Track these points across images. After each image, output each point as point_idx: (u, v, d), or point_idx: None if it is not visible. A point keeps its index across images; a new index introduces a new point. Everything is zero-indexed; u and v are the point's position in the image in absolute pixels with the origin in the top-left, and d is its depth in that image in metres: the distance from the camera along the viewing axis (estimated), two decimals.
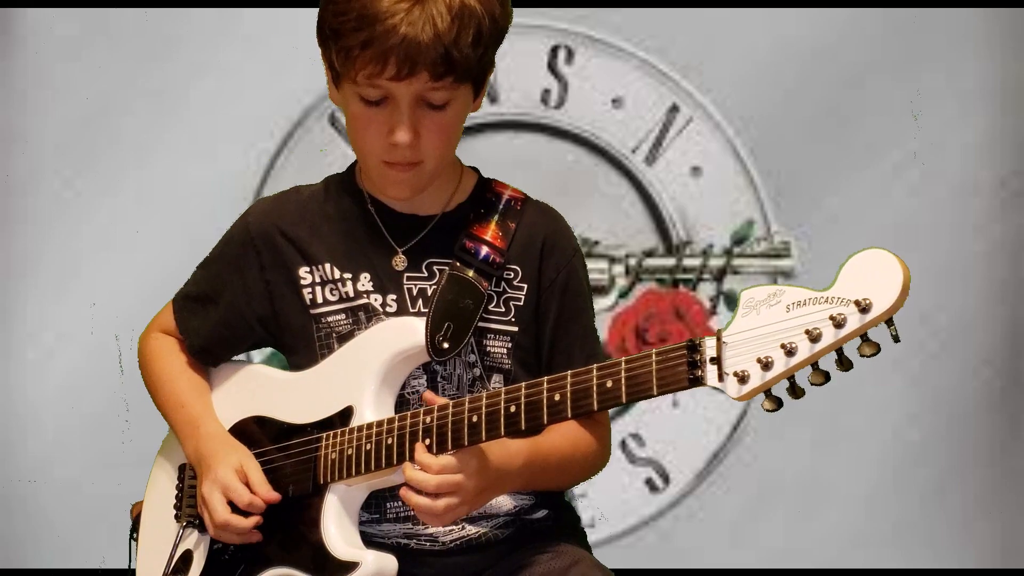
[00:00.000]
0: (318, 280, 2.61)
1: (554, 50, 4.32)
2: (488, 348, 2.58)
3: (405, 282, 2.58)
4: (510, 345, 2.58)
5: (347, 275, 2.60)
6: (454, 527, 2.57)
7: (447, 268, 2.56)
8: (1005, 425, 4.29)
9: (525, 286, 2.59)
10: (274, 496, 2.53)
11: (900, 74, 4.26)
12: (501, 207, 2.61)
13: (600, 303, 4.32)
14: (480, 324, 2.55)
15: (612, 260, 4.34)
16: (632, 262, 4.35)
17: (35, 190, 4.30)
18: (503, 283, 2.57)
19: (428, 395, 2.47)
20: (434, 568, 2.57)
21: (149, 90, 4.28)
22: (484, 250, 2.57)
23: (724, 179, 4.33)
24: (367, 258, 2.60)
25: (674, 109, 4.32)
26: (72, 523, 4.27)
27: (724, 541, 4.31)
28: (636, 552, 4.28)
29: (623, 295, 4.36)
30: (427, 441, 2.42)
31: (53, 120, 4.29)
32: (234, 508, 2.54)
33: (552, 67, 4.33)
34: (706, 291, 4.35)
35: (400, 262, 2.59)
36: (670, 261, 4.35)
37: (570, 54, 4.33)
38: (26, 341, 4.30)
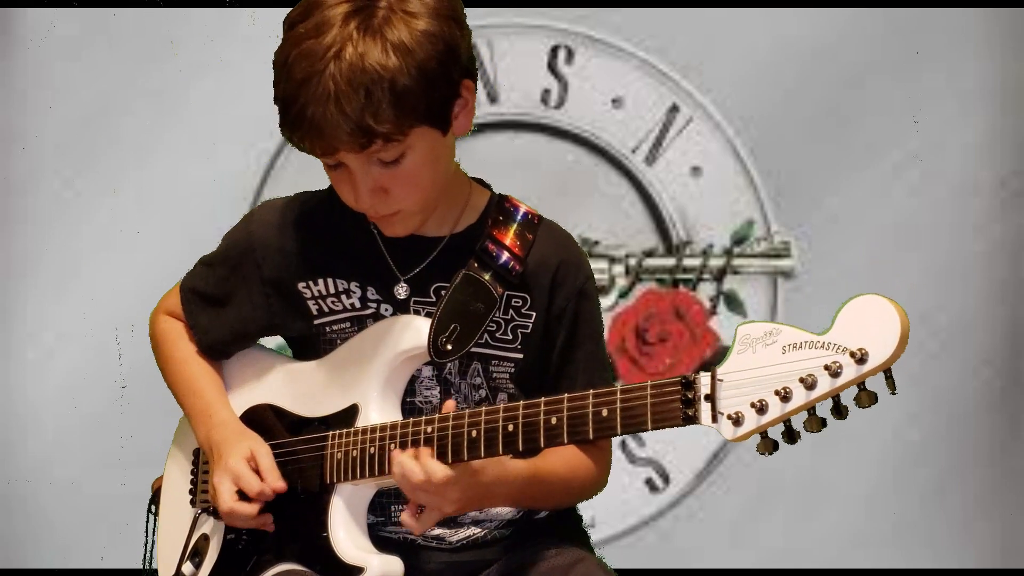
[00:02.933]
0: (318, 294, 2.60)
1: (554, 50, 4.32)
2: (493, 373, 2.57)
3: (412, 306, 2.56)
4: (513, 370, 2.57)
5: (354, 284, 2.58)
6: (459, 528, 2.58)
7: (463, 269, 2.53)
8: (1005, 425, 4.29)
9: (534, 314, 2.56)
10: (281, 485, 2.53)
11: (900, 74, 4.26)
12: (519, 218, 2.57)
13: (600, 303, 4.32)
14: (487, 351, 2.54)
15: (612, 260, 4.34)
16: (632, 262, 4.35)
17: (35, 190, 4.30)
18: (511, 310, 2.55)
19: (449, 404, 2.45)
20: (440, 563, 2.58)
21: (149, 90, 4.28)
22: (504, 255, 2.53)
23: (724, 179, 4.33)
24: (370, 280, 2.58)
25: (674, 109, 4.32)
26: (72, 523, 4.27)
27: (724, 541, 4.31)
28: (636, 552, 4.28)
29: (623, 295, 4.36)
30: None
31: (53, 120, 4.29)
32: (243, 495, 2.54)
33: (552, 67, 4.33)
34: (706, 291, 4.35)
35: (402, 291, 2.56)
36: (670, 261, 4.35)
37: (570, 54, 4.33)
38: (26, 341, 4.30)
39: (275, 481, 2.53)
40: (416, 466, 2.39)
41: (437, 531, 2.57)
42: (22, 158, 4.30)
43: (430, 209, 2.52)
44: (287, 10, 4.34)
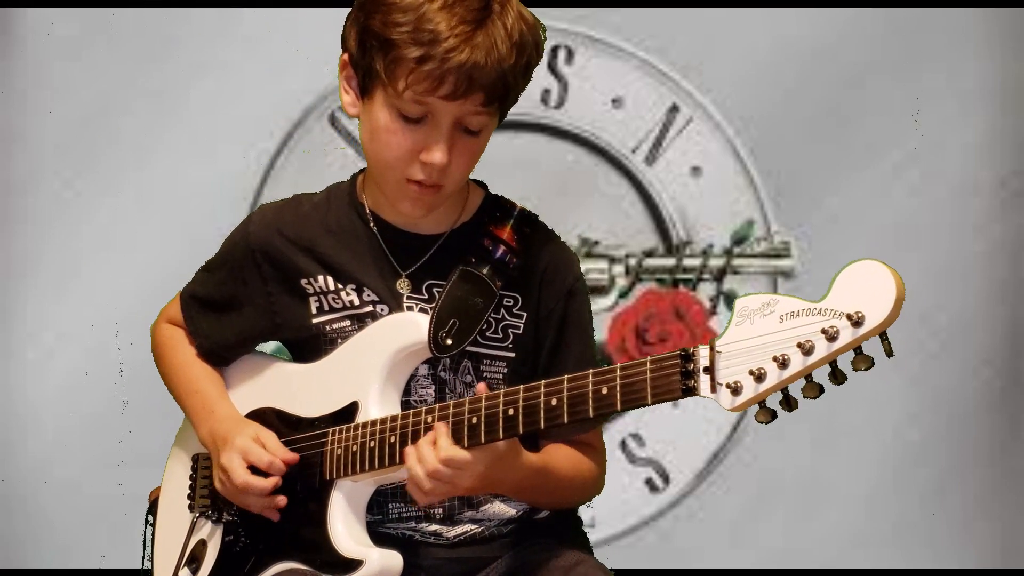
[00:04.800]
0: (320, 290, 2.61)
1: (554, 50, 4.32)
2: (484, 372, 2.58)
3: (405, 302, 2.57)
4: (506, 370, 2.58)
5: (351, 286, 2.59)
6: (457, 525, 2.59)
7: (460, 264, 2.54)
8: (1005, 425, 4.29)
9: (524, 314, 2.58)
10: (292, 456, 2.54)
11: (900, 74, 4.26)
12: (516, 214, 2.59)
13: (600, 303, 4.32)
14: (478, 350, 2.55)
15: (612, 260, 4.34)
16: (632, 262, 4.35)
17: (35, 190, 4.31)
18: (503, 310, 2.56)
19: (481, 387, 2.45)
20: (439, 559, 2.58)
21: (149, 90, 4.28)
22: (501, 249, 2.55)
23: (724, 179, 4.33)
24: (369, 277, 2.59)
25: (674, 109, 4.32)
26: (72, 523, 4.27)
27: (724, 541, 4.31)
28: (636, 552, 4.28)
29: (623, 295, 4.36)
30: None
31: (53, 120, 4.29)
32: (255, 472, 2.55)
33: (552, 67, 4.33)
34: (706, 291, 4.35)
35: (404, 285, 2.58)
36: (670, 261, 4.35)
37: (570, 54, 4.33)
38: (26, 341, 4.30)
39: (285, 454, 2.54)
40: (431, 453, 2.39)
41: (434, 527, 2.58)
42: (22, 158, 4.30)
43: (452, 196, 2.56)
44: (286, 10, 4.33)
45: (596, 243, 4.33)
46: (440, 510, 2.58)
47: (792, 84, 4.27)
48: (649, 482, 4.33)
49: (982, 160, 4.27)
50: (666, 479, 4.33)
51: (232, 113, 4.29)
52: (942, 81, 4.26)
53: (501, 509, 2.60)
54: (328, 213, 2.64)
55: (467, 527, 2.59)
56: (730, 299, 4.35)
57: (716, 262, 4.34)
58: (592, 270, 4.31)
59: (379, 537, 2.55)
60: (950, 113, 4.26)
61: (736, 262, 4.34)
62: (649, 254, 4.36)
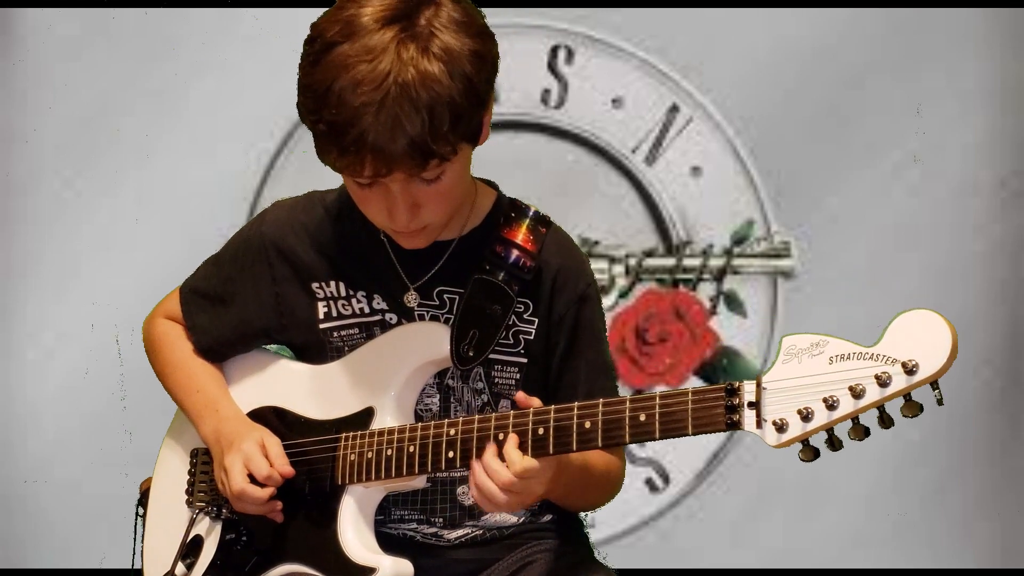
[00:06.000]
0: (330, 295, 2.59)
1: (554, 50, 4.33)
2: (496, 378, 2.56)
3: (416, 309, 2.56)
4: (519, 376, 2.56)
5: (361, 293, 2.58)
6: (457, 528, 2.58)
7: (475, 273, 2.51)
8: (1005, 425, 4.29)
9: (536, 320, 2.56)
10: (289, 471, 2.53)
11: (900, 74, 4.26)
12: (531, 214, 2.55)
13: (603, 309, 4.32)
14: (489, 356, 2.52)
15: (612, 260, 4.34)
16: (632, 262, 4.35)
17: (35, 190, 4.31)
18: (513, 316, 2.54)
19: (521, 396, 2.42)
20: (441, 560, 2.58)
21: (149, 90, 4.29)
22: (515, 253, 2.52)
23: (724, 179, 4.33)
24: (379, 286, 2.57)
25: (674, 109, 4.32)
26: (72, 523, 4.27)
27: (724, 541, 4.31)
28: (636, 552, 4.28)
29: (623, 295, 4.36)
30: (451, 454, 2.42)
31: (53, 120, 4.29)
32: (252, 481, 2.54)
33: (552, 67, 4.33)
34: (706, 291, 4.35)
35: (412, 299, 2.56)
36: (670, 261, 4.35)
37: (570, 54, 4.33)
38: (26, 341, 4.30)
39: (283, 466, 2.53)
40: (501, 466, 2.36)
41: (434, 529, 2.58)
42: (22, 158, 4.30)
43: (450, 220, 2.52)
44: (286, 10, 4.33)
45: (596, 243, 4.33)
46: (441, 518, 2.58)
47: (792, 84, 4.27)
48: (649, 482, 4.33)
49: (982, 160, 4.27)
50: (666, 479, 4.33)
51: (232, 113, 4.29)
52: (942, 81, 4.26)
53: (503, 516, 2.59)
54: (341, 217, 2.61)
55: (467, 530, 2.59)
56: (730, 299, 4.35)
57: (716, 262, 4.34)
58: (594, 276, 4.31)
59: (379, 537, 2.54)
60: (950, 113, 4.26)
61: (736, 262, 4.34)
62: (649, 254, 4.35)
